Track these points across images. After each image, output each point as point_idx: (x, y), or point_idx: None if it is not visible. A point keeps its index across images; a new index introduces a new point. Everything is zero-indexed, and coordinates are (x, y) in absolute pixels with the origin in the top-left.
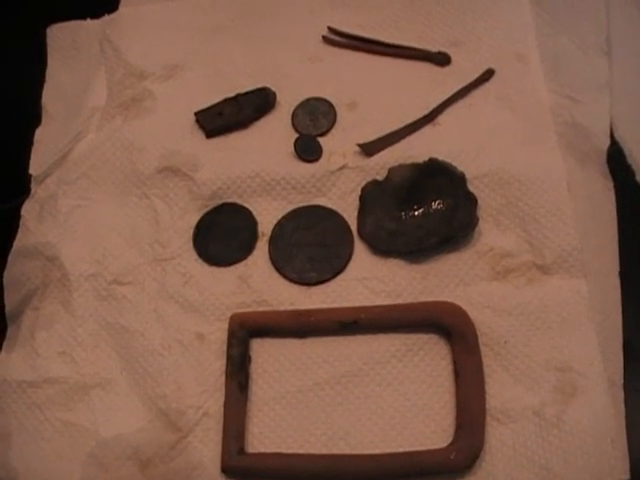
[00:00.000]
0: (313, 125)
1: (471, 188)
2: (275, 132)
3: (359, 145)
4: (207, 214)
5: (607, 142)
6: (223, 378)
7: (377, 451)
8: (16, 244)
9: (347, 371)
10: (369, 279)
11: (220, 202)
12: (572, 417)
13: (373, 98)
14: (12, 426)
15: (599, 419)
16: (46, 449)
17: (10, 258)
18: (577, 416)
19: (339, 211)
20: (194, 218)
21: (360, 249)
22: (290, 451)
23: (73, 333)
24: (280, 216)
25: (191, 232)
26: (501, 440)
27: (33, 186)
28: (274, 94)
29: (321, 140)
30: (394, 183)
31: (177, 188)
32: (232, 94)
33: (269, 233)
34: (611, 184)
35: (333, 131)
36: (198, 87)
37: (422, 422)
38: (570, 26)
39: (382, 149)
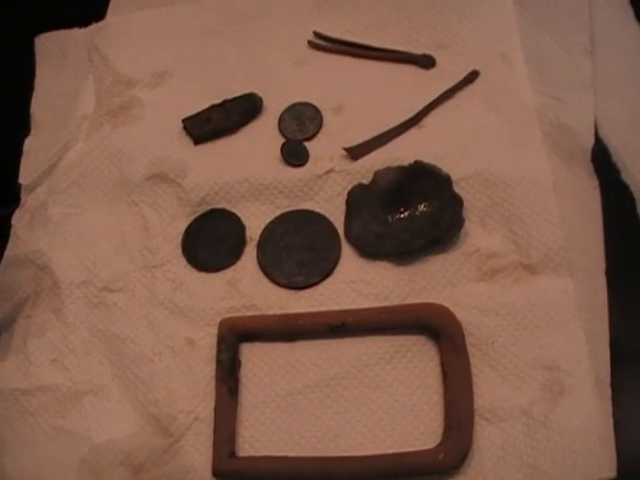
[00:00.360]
0: (300, 130)
1: (457, 189)
2: (262, 137)
3: (345, 149)
4: (196, 220)
5: (592, 141)
6: (213, 383)
7: (367, 452)
8: (7, 253)
9: (336, 374)
10: (357, 282)
11: (208, 208)
12: (560, 416)
13: (359, 102)
14: (6, 434)
15: (587, 417)
16: (39, 456)
17: (1, 267)
18: (565, 415)
19: (326, 215)
20: (183, 224)
21: (348, 252)
22: (281, 454)
23: (65, 341)
24: (268, 221)
25: (180, 238)
26: (490, 440)
27: (23, 195)
28: (261, 99)
29: (308, 144)
30: (380, 186)
31: (166, 195)
32: (219, 100)
33: (257, 238)
34: (596, 183)
35: (319, 135)
36: (186, 94)
37: (411, 423)
38: (553, 26)
39: (368, 152)
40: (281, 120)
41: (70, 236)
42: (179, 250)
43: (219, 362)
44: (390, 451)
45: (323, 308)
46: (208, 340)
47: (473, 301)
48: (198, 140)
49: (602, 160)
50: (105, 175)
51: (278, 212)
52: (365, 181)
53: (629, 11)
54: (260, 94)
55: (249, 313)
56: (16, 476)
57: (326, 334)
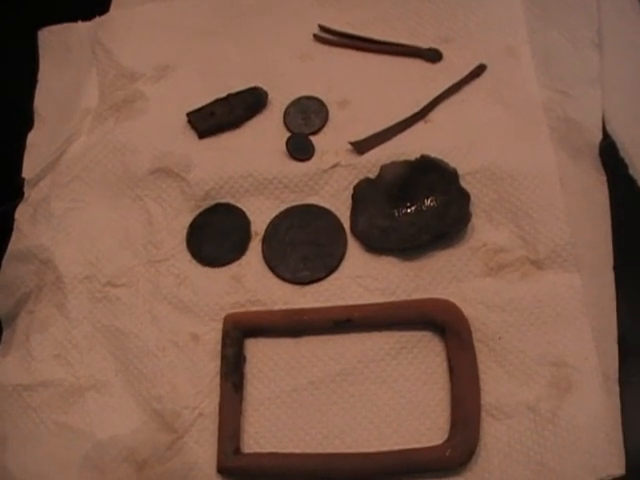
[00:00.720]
0: (305, 124)
1: (463, 184)
2: (267, 131)
3: (351, 143)
4: (200, 215)
5: (599, 136)
6: (218, 378)
7: (373, 449)
8: (10, 247)
9: (342, 370)
10: (362, 277)
11: (213, 202)
12: (567, 412)
13: (364, 96)
14: (8, 430)
15: (594, 414)
16: (42, 452)
17: (4, 261)
18: (572, 411)
19: (332, 209)
20: (187, 219)
21: (353, 247)
22: (286, 450)
23: (68, 336)
24: (273, 215)
25: (184, 233)
26: (496, 436)
27: (26, 189)
28: (266, 93)
29: (313, 139)
30: (386, 180)
31: (170, 189)
32: (224, 94)
33: (262, 233)
34: (604, 178)
35: (325, 129)
36: (190, 87)
37: (417, 419)
38: (561, 20)
39: (374, 147)
40: (286, 114)
41: (73, 230)
42: (183, 245)
43: (224, 357)
44: (396, 448)
45: (328, 303)
46: (213, 335)
47: (479, 296)
48: (202, 134)
49: (610, 155)
50: (109, 169)
51: (283, 207)
52: (371, 175)
53: (637, 5)
54: (265, 88)
55: (254, 308)
56: (18, 472)
57: (331, 330)
